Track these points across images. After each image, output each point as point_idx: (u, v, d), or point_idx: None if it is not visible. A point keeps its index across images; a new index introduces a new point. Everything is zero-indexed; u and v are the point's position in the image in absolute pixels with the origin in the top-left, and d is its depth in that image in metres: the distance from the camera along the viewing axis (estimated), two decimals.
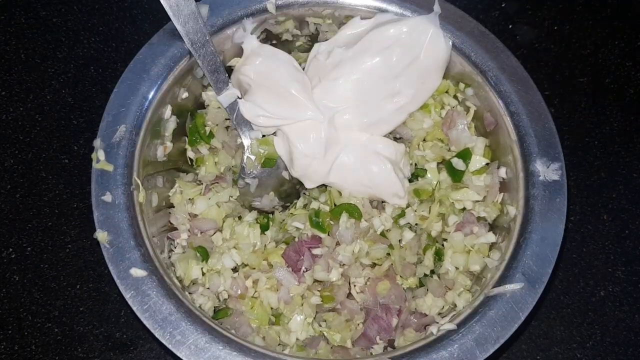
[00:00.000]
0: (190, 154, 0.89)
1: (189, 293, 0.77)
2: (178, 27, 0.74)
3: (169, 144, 0.83)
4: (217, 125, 0.88)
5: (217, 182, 0.85)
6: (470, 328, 0.68)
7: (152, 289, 0.68)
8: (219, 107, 0.87)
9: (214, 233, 0.83)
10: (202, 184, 0.85)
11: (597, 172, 1.00)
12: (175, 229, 0.82)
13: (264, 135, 0.86)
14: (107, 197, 0.71)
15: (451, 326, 0.69)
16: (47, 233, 0.93)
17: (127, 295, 0.67)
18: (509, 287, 0.70)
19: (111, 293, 0.89)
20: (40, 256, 0.91)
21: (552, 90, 0.81)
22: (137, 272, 0.69)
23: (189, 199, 0.84)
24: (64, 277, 0.90)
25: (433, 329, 0.70)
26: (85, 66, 1.04)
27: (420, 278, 0.82)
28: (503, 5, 1.12)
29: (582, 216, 0.96)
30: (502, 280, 0.71)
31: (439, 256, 0.82)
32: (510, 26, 1.11)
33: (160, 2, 0.69)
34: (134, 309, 0.67)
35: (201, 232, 0.82)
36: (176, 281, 0.73)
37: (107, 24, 1.08)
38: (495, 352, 0.67)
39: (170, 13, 0.72)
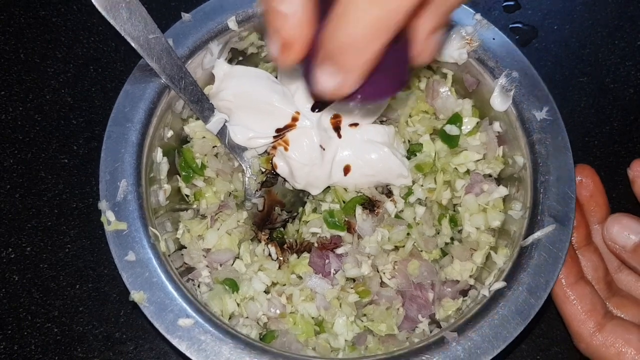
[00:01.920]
0: (185, 190, 0.87)
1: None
2: (153, 65, 0.73)
3: (167, 187, 0.82)
4: (205, 155, 0.86)
5: (221, 211, 0.84)
6: (518, 281, 0.70)
7: (203, 334, 0.67)
8: (204, 137, 0.86)
9: (234, 261, 0.82)
10: (205, 217, 0.84)
11: (597, 172, 1.00)
12: (192, 269, 0.80)
13: (260, 154, 0.86)
14: (131, 257, 0.69)
15: (500, 284, 0.70)
16: (47, 233, 0.92)
17: (183, 348, 0.66)
18: (542, 232, 0.72)
19: (111, 293, 0.89)
20: (40, 256, 0.91)
21: (552, 90, 0.82)
22: (185, 321, 0.67)
23: (198, 235, 0.82)
24: (63, 277, 0.90)
25: (484, 292, 0.71)
26: (84, 66, 1.04)
27: (442, 248, 0.83)
28: (503, 5, 1.12)
29: None
30: (532, 227, 0.73)
31: (454, 222, 0.83)
32: (510, 26, 1.11)
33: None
34: (194, 358, 0.65)
35: (221, 265, 0.81)
36: (222, 318, 0.73)
37: (107, 23, 1.06)
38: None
39: (142, 53, 0.72)
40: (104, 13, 0.68)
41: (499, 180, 0.85)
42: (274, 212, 0.87)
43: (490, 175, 0.86)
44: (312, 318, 0.79)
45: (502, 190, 0.82)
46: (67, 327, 0.87)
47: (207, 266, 0.81)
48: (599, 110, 1.04)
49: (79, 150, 0.98)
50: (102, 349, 0.86)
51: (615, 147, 1.02)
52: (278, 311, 0.78)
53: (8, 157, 0.97)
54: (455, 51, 0.84)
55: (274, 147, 0.83)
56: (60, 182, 0.96)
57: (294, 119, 0.81)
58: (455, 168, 0.86)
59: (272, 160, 0.84)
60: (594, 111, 1.04)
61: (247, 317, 0.78)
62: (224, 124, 0.83)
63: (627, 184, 0.97)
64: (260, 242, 0.85)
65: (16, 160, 0.97)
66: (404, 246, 0.82)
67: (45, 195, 0.95)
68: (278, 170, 0.84)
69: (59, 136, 0.99)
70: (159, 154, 0.80)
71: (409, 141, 0.89)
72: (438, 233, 0.83)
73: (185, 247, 0.81)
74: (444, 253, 0.83)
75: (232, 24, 0.83)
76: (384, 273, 0.82)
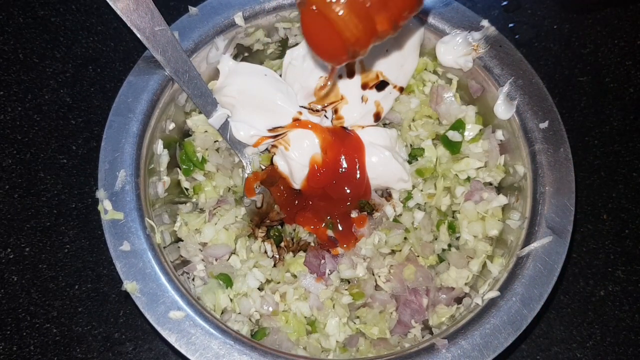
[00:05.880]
0: (185, 184, 0.87)
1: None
2: (158, 57, 0.74)
3: (167, 179, 0.82)
4: (207, 149, 0.86)
5: (219, 206, 0.84)
6: (512, 291, 0.70)
7: (193, 327, 0.67)
8: (206, 131, 0.86)
9: (230, 257, 0.82)
10: (204, 211, 0.84)
11: (597, 172, 1.00)
12: (187, 262, 0.80)
13: (261, 152, 0.85)
14: (126, 246, 0.70)
15: (494, 293, 0.71)
16: (46, 233, 0.92)
17: (172, 340, 0.66)
18: (538, 243, 0.72)
19: (110, 293, 0.89)
20: (39, 256, 0.91)
21: (552, 90, 0.81)
22: (176, 314, 0.68)
23: (196, 229, 0.82)
24: (62, 278, 0.90)
25: (477, 300, 0.72)
26: (83, 66, 1.04)
27: (439, 254, 0.83)
28: (503, 4, 1.12)
29: (582, 215, 0.96)
30: (529, 238, 0.73)
31: (452, 229, 0.83)
32: (510, 26, 1.10)
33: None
34: (182, 351, 0.66)
35: (216, 259, 0.81)
36: (214, 313, 0.73)
37: (106, 23, 1.08)
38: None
39: (147, 44, 0.72)
40: (111, 3, 0.68)
41: (499, 188, 0.85)
42: (273, 210, 0.87)
43: (490, 184, 0.85)
44: (305, 317, 0.79)
45: (502, 199, 0.82)
46: (66, 327, 0.87)
47: (202, 260, 0.81)
48: (599, 110, 1.04)
49: (78, 150, 0.98)
50: (101, 349, 0.86)
51: (615, 147, 1.02)
52: (271, 309, 0.78)
53: (7, 157, 0.97)
54: (461, 57, 0.83)
55: (275, 146, 0.83)
56: (59, 183, 0.95)
57: (296, 119, 0.80)
58: (456, 174, 0.85)
59: (272, 158, 0.84)
60: (594, 111, 1.04)
61: (239, 313, 0.78)
62: (226, 120, 0.83)
63: (627, 183, 0.97)
64: (257, 239, 0.85)
65: (15, 161, 0.97)
66: (400, 250, 0.82)
67: (44, 196, 0.94)
68: (278, 168, 0.84)
69: (57, 136, 0.99)
70: (159, 146, 0.80)
71: (410, 145, 0.88)
72: (436, 239, 0.83)
73: (182, 240, 0.82)
74: (441, 259, 0.83)
75: (238, 19, 0.83)
76: (379, 276, 0.82)
